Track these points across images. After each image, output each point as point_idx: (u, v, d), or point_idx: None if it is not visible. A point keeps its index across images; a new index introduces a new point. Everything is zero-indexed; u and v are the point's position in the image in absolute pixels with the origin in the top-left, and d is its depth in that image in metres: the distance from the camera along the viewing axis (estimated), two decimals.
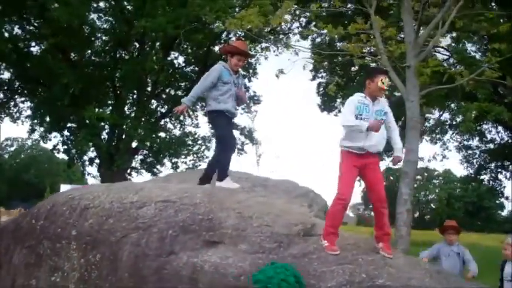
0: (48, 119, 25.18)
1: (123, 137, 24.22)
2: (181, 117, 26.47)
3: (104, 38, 25.99)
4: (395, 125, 5.83)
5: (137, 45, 25.45)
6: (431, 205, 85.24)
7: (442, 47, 20.02)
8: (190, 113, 25.91)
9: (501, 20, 11.11)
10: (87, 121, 22.45)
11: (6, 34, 24.43)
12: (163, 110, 27.12)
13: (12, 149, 74.89)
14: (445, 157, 26.92)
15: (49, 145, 35.60)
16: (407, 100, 8.90)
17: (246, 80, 26.78)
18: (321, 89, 26.49)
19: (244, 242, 5.50)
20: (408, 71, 8.93)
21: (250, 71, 27.20)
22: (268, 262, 5.09)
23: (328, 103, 26.24)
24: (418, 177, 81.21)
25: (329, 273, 5.04)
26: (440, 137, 28.13)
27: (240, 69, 7.20)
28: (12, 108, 29.15)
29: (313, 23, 18.98)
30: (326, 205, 7.25)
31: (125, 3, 24.93)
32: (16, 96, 28.30)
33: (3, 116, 29.26)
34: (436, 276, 5.35)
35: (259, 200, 6.47)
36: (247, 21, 9.11)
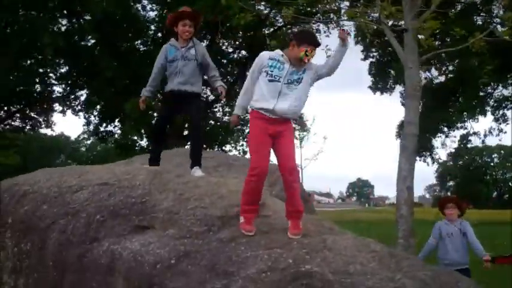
0: (98, 110, 25.51)
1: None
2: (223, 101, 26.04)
3: (152, 27, 25.89)
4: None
5: None
6: (510, 184, 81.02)
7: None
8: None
9: None
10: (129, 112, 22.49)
11: (63, 28, 24.96)
12: (211, 97, 26.86)
13: (89, 142, 77.23)
14: (501, 131, 25.16)
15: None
16: (406, 67, 8.05)
17: None
18: (373, 68, 25.44)
19: (174, 226, 5.04)
20: (406, 34, 8.07)
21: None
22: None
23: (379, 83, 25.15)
24: (495, 154, 77.74)
25: (252, 258, 4.49)
26: (504, 112, 26.44)
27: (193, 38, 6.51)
28: (73, 101, 29.83)
29: None
30: None
31: None
32: (76, 90, 28.80)
33: (65, 109, 29.99)
34: (386, 261, 4.67)
35: (211, 180, 5.96)
36: None
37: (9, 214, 5.69)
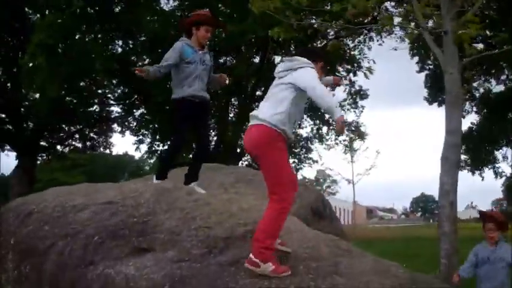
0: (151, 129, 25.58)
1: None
2: None
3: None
4: None
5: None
6: None
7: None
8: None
9: None
10: None
11: (120, 49, 25.28)
12: None
13: (152, 161, 78.26)
14: None
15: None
16: (446, 72, 7.39)
17: (351, 75, 25.36)
18: (429, 80, 24.44)
19: (175, 248, 4.64)
20: (445, 37, 7.41)
21: (355, 64, 25.69)
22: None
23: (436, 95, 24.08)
24: None
25: (251, 285, 4.02)
26: None
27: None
28: (132, 122, 30.09)
29: None
30: (317, 200, 6.11)
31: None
32: (134, 110, 29.02)
33: (124, 129, 30.32)
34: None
35: (224, 197, 5.54)
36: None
37: (12, 235, 5.44)
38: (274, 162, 4.29)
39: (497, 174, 27.25)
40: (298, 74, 4.40)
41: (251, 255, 4.10)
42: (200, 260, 4.41)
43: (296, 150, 25.23)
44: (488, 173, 27.12)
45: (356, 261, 4.45)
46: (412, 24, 8.39)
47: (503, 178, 30.62)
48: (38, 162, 31.64)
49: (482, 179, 27.76)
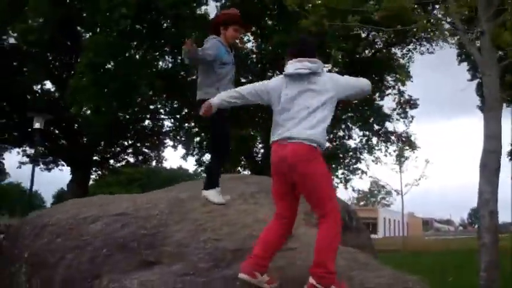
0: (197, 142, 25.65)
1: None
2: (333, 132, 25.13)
3: (253, 59, 25.71)
4: None
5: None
6: None
7: None
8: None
9: None
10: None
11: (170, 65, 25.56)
12: None
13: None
14: None
15: None
16: (484, 74, 6.92)
17: (399, 84, 24.77)
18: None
19: (182, 261, 4.44)
20: (482, 38, 6.95)
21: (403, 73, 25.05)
22: None
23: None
24: None
25: None
26: None
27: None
28: (183, 135, 30.20)
29: None
30: (342, 211, 5.76)
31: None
32: (184, 124, 29.09)
33: (176, 143, 30.50)
34: None
35: (240, 208, 5.30)
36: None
37: (26, 248, 5.35)
38: (325, 175, 4.04)
39: None
40: (336, 82, 4.17)
41: (312, 281, 3.77)
42: (205, 274, 4.19)
43: (346, 161, 24.71)
44: None
45: (372, 275, 4.13)
46: (447, 26, 7.96)
47: None
48: (93, 176, 32.38)
49: None
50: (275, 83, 4.25)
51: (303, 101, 4.05)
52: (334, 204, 3.99)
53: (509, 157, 25.52)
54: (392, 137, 25.09)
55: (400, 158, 26.03)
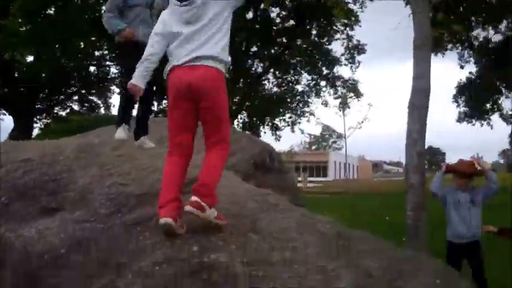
0: None
1: None
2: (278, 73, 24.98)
3: None
4: None
5: None
6: None
7: None
8: None
9: None
10: None
11: None
12: (260, 70, 25.77)
13: None
14: None
15: None
16: (415, 12, 6.74)
17: (348, 29, 24.56)
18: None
19: (84, 207, 4.20)
20: None
21: (352, 18, 24.82)
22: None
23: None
24: None
25: (150, 247, 3.58)
26: None
27: None
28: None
29: None
30: (262, 153, 5.62)
31: None
32: None
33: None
34: (330, 246, 3.66)
35: (152, 152, 5.12)
36: None
37: None
38: (227, 101, 3.88)
39: (506, 120, 26.55)
40: None
41: (197, 198, 3.57)
42: (106, 220, 3.97)
43: (293, 106, 24.60)
44: (498, 124, 26.56)
45: (281, 217, 4.00)
46: None
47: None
48: (39, 125, 31.50)
49: (491, 128, 27.22)
50: (166, 15, 3.96)
51: (199, 22, 3.80)
52: (228, 132, 3.90)
53: (453, 100, 25.92)
54: (339, 82, 25.05)
55: (344, 105, 26.16)
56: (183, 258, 3.40)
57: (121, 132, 5.36)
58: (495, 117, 26.40)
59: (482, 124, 25.79)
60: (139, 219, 3.90)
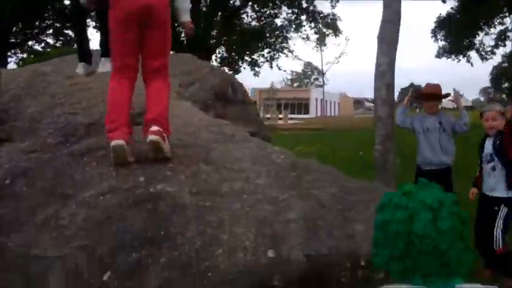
0: None
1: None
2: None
3: None
4: None
5: None
6: None
7: None
8: None
9: None
10: None
11: None
12: (238, 3, 25.07)
13: None
14: None
15: None
16: None
17: None
18: None
19: (32, 137, 4.04)
20: None
21: None
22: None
23: None
24: None
25: (97, 177, 3.45)
26: None
27: None
28: None
29: None
30: (223, 84, 5.45)
31: None
32: None
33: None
34: (282, 176, 3.57)
35: (107, 80, 4.87)
36: None
37: None
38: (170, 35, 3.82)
39: (482, 58, 26.47)
40: None
41: (159, 128, 3.47)
42: (53, 150, 3.83)
43: (271, 40, 24.18)
44: (478, 61, 26.45)
45: (235, 147, 3.88)
46: None
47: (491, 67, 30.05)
48: (14, 59, 30.79)
49: (471, 65, 27.19)
50: None
51: None
52: (168, 60, 3.83)
53: (432, 35, 25.63)
54: (318, 18, 24.57)
55: (321, 42, 25.86)
56: (128, 188, 3.29)
57: (80, 68, 5.12)
58: (475, 55, 26.35)
59: (460, 60, 25.74)
60: (87, 149, 3.77)
